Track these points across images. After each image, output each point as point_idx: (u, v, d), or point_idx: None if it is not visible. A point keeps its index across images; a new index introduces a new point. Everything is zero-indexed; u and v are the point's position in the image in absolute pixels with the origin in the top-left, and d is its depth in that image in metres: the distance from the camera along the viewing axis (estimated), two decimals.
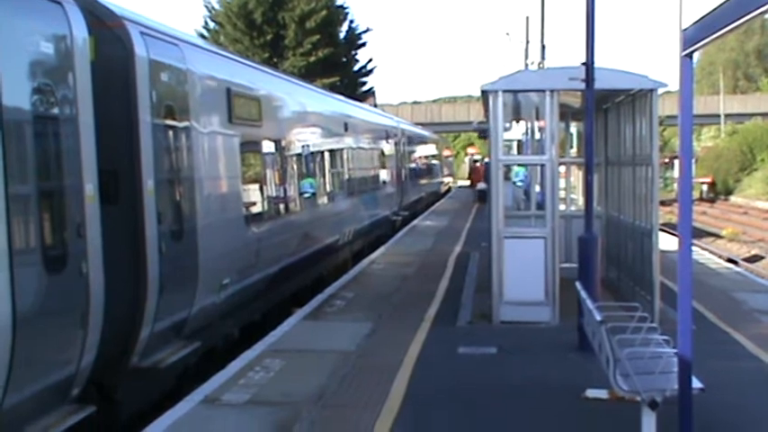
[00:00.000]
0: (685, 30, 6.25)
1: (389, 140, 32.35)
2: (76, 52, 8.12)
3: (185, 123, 10.88)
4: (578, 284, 10.57)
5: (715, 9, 5.56)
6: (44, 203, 7.62)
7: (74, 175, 8.01)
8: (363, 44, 51.45)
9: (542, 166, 14.26)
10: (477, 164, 61.46)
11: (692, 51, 6.27)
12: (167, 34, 10.90)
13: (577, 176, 19.64)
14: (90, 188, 8.22)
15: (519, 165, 25.09)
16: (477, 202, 44.25)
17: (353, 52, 50.89)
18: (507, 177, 24.06)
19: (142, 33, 9.80)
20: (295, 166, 16.62)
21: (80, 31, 8.22)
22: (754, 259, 32.21)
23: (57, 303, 7.67)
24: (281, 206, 15.64)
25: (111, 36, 9.29)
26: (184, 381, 10.73)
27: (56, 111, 7.81)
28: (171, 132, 10.45)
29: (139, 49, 9.58)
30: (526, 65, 39.46)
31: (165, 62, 10.38)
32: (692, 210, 6.75)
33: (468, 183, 71.63)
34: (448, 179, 70.59)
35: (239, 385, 10.16)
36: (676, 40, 6.39)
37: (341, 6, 49.60)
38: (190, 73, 11.11)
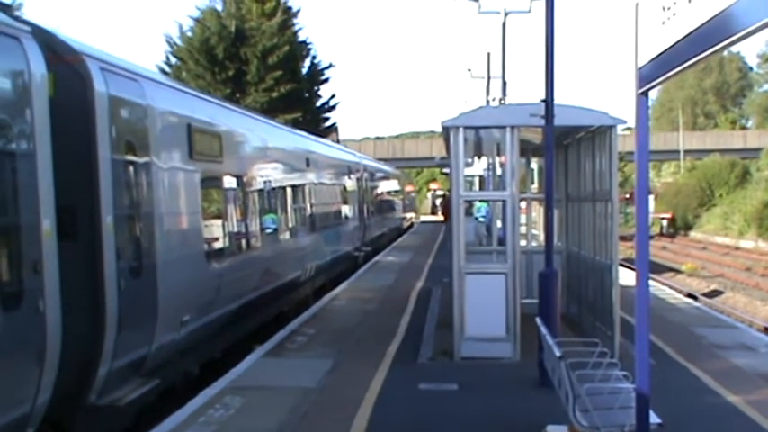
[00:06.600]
0: (641, 68, 6.33)
1: (352, 176, 32.39)
2: (34, 88, 8.06)
3: (145, 159, 10.83)
4: (538, 320, 10.61)
5: (669, 48, 5.63)
6: (0, 239, 7.53)
7: (31, 211, 7.91)
8: (326, 80, 51.47)
9: (503, 201, 14.31)
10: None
11: (648, 89, 6.35)
12: (127, 70, 10.86)
13: (539, 212, 19.76)
14: (47, 224, 8.13)
15: (481, 200, 25.19)
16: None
17: (316, 88, 50.84)
18: (469, 213, 24.18)
19: (102, 69, 9.76)
20: (256, 202, 16.57)
21: (38, 67, 8.17)
22: (713, 294, 32.50)
23: (12, 341, 7.55)
24: (243, 242, 15.57)
25: (70, 71, 9.24)
26: (143, 419, 10.60)
27: (13, 146, 7.74)
28: (131, 168, 10.39)
29: (99, 85, 9.53)
30: (487, 101, 39.73)
31: (125, 98, 10.34)
32: (649, 245, 6.80)
33: (432, 218, 71.94)
34: (410, 214, 70.76)
35: (199, 423, 10.06)
36: (633, 77, 6.47)
37: (303, 42, 49.61)
38: (150, 109, 11.07)
